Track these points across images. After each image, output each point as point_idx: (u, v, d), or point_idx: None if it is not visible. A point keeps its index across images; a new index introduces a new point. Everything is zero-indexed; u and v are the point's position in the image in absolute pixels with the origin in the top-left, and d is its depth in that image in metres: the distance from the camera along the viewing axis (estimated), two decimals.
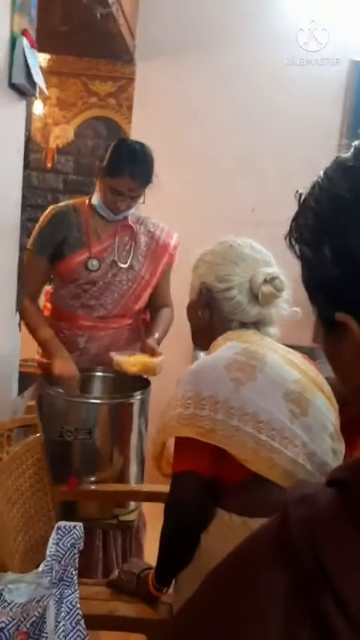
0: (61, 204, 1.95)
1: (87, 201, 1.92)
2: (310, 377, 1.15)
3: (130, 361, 1.69)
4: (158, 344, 1.84)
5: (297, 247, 0.58)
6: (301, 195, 0.58)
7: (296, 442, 1.04)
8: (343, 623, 0.41)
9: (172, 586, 1.20)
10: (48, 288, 1.99)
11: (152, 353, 1.76)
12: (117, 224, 1.91)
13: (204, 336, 1.26)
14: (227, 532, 1.05)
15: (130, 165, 1.76)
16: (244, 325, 1.22)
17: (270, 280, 1.17)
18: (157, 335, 1.86)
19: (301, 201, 0.58)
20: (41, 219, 1.91)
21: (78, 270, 1.86)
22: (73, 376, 1.73)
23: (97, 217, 1.89)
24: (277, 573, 0.45)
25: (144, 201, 1.86)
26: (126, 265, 1.88)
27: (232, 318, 1.21)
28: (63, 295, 1.90)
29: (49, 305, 1.99)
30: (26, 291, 1.86)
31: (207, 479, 1.06)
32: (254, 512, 1.04)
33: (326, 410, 1.12)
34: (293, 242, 0.58)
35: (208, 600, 0.51)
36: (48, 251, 1.88)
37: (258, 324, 1.23)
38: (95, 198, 1.89)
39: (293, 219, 0.58)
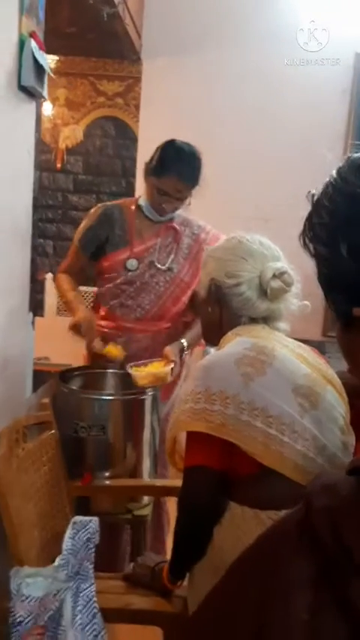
0: (108, 203, 1.95)
1: (134, 202, 1.92)
2: (319, 370, 1.15)
3: (142, 375, 1.68)
4: (185, 349, 1.84)
5: (311, 246, 0.59)
6: (313, 195, 0.59)
7: (306, 436, 1.04)
8: None
9: (186, 579, 1.22)
10: (94, 289, 2.02)
11: (166, 360, 1.75)
12: (161, 225, 1.90)
13: (214, 331, 1.27)
14: (240, 525, 1.06)
15: (177, 166, 1.74)
16: (253, 320, 1.23)
17: (279, 275, 1.18)
18: (183, 341, 1.84)
19: (314, 201, 0.59)
20: (87, 216, 1.93)
21: (117, 268, 1.87)
22: (90, 319, 1.76)
23: (143, 218, 1.89)
24: (302, 560, 0.46)
25: (190, 203, 1.85)
26: (164, 267, 1.88)
27: (241, 314, 1.22)
28: (104, 295, 1.92)
29: (96, 305, 2.01)
30: (66, 271, 1.97)
31: (218, 473, 1.07)
32: (266, 505, 1.05)
33: (336, 403, 1.12)
34: (307, 241, 0.59)
35: (234, 583, 0.52)
36: (91, 249, 1.90)
37: (267, 319, 1.23)
38: (142, 199, 1.89)
39: (307, 219, 0.59)
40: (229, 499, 1.09)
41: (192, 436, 1.09)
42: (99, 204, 1.95)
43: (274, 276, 1.18)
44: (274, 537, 0.52)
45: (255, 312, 1.21)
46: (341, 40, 3.10)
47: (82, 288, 2.07)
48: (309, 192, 0.59)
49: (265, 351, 1.10)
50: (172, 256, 1.89)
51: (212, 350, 3.16)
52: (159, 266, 1.87)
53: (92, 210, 1.93)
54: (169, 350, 1.78)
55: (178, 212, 1.90)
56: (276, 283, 1.18)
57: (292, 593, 0.44)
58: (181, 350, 1.83)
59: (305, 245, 0.59)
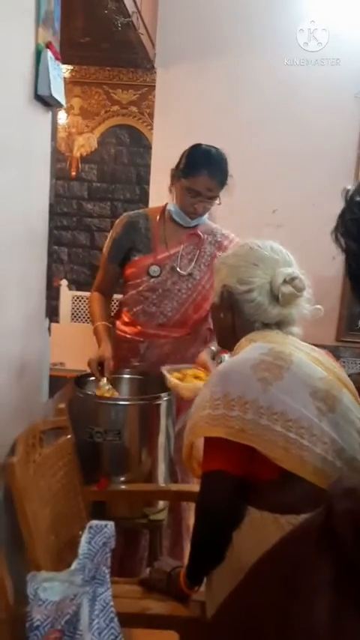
0: (132, 212, 1.97)
1: (160, 210, 1.94)
2: (335, 374, 1.15)
3: (186, 386, 1.62)
4: (215, 356, 1.83)
5: (342, 241, 0.59)
6: (348, 191, 0.60)
7: (325, 439, 1.04)
8: None
9: (204, 584, 1.21)
10: (119, 296, 2.04)
11: (205, 368, 1.73)
12: (185, 232, 1.91)
13: (228, 337, 1.27)
14: (259, 529, 1.06)
15: (207, 164, 1.77)
16: (266, 326, 1.23)
17: (290, 280, 1.19)
18: (213, 347, 1.83)
19: (348, 197, 0.59)
20: (114, 227, 1.95)
21: (140, 275, 1.88)
22: (108, 357, 1.78)
23: (168, 224, 1.90)
24: (324, 564, 0.46)
25: (220, 202, 1.85)
26: (185, 273, 1.89)
27: (253, 320, 1.23)
28: (128, 302, 1.93)
29: (120, 312, 2.02)
30: (99, 288, 2.00)
31: (237, 478, 1.07)
32: (286, 510, 1.04)
33: (352, 406, 1.12)
34: (339, 236, 0.60)
35: (255, 586, 0.52)
36: (119, 258, 1.93)
37: (280, 325, 1.24)
38: (171, 205, 1.90)
39: (340, 215, 0.60)
40: (248, 504, 1.09)
41: (210, 442, 1.09)
42: (124, 214, 1.97)
43: (285, 281, 1.19)
44: (295, 540, 0.52)
45: (267, 318, 1.22)
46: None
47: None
48: (343, 188, 0.59)
49: (282, 356, 1.10)
50: (193, 263, 1.89)
51: (226, 357, 3.15)
52: (180, 272, 1.88)
53: (118, 221, 1.96)
54: (204, 357, 1.77)
55: (203, 219, 1.91)
56: (287, 289, 1.18)
57: (314, 597, 0.45)
58: (213, 356, 1.82)
59: (337, 240, 0.59)
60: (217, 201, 1.85)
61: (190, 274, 1.89)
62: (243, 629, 0.50)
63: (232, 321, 1.25)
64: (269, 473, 1.05)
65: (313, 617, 0.44)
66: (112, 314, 2.04)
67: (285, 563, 0.51)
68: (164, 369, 1.70)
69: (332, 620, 0.43)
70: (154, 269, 1.87)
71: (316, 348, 1.22)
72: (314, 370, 1.12)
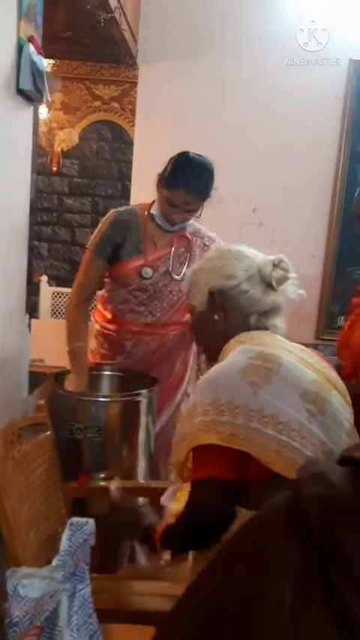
0: (122, 208, 1.95)
1: (147, 207, 1.92)
2: (324, 375, 1.15)
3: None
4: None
5: None
6: None
7: (314, 441, 1.04)
8: (355, 599, 0.43)
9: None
10: (101, 292, 2.01)
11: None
12: (174, 234, 1.91)
13: (219, 343, 1.24)
14: None
15: (185, 179, 1.75)
16: (256, 327, 1.23)
17: (278, 264, 1.22)
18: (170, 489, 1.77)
19: None
20: (102, 221, 1.92)
21: (131, 276, 1.87)
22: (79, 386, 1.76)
23: (155, 226, 1.89)
24: (293, 544, 0.47)
25: (200, 215, 1.86)
26: (179, 277, 1.88)
27: (249, 312, 1.23)
28: (114, 299, 1.91)
29: (100, 307, 2.00)
30: (80, 290, 1.89)
31: (228, 483, 1.05)
32: None
33: (341, 407, 1.13)
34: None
35: (224, 564, 0.53)
36: (107, 252, 1.88)
37: (269, 313, 1.24)
38: (154, 208, 1.89)
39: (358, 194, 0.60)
40: (239, 504, 1.07)
41: (201, 449, 1.07)
42: (113, 210, 1.94)
43: (274, 265, 1.22)
44: (264, 522, 0.53)
45: (262, 307, 1.23)
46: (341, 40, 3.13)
47: None
48: None
49: (271, 359, 1.10)
50: (185, 266, 1.89)
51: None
52: (175, 276, 1.88)
53: (106, 217, 1.93)
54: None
55: (190, 222, 1.91)
56: (278, 273, 1.21)
57: (281, 578, 0.45)
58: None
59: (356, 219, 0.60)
60: (197, 214, 1.85)
61: (183, 279, 1.88)
62: (209, 609, 0.51)
63: (225, 320, 1.25)
64: (259, 474, 1.04)
65: (278, 599, 0.45)
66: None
67: (255, 543, 0.52)
68: (163, 500, 1.55)
69: (297, 602, 0.44)
70: (147, 271, 1.86)
71: (305, 349, 1.22)
72: (304, 372, 1.11)
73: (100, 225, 1.92)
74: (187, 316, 1.89)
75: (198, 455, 1.09)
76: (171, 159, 1.81)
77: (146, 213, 1.91)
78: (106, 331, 1.94)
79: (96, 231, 1.93)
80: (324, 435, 1.06)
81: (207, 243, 1.95)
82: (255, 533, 0.54)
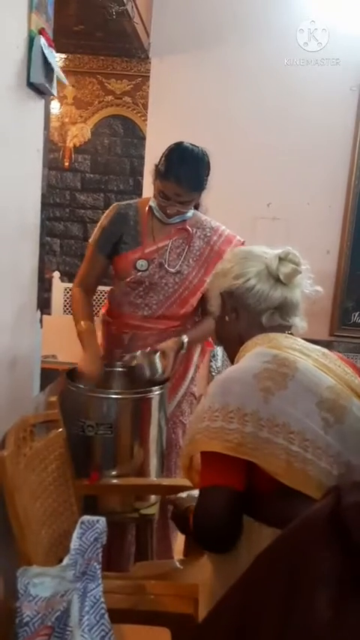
0: (123, 203, 1.95)
1: (147, 202, 1.91)
2: (345, 381, 1.11)
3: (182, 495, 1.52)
4: (185, 346, 1.81)
5: None
6: None
7: (330, 452, 1.00)
8: None
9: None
10: (108, 288, 2.02)
11: (163, 355, 1.73)
12: (173, 226, 1.89)
13: (236, 345, 1.23)
14: (256, 541, 1.00)
15: (176, 170, 1.72)
16: (273, 329, 1.20)
17: (285, 257, 1.19)
18: (184, 338, 1.81)
19: None
20: (103, 216, 1.93)
21: (127, 268, 1.87)
22: (93, 377, 1.74)
23: (155, 218, 1.88)
24: (330, 554, 0.45)
25: (197, 207, 1.84)
26: (173, 270, 1.87)
27: (259, 309, 1.20)
28: (115, 292, 1.92)
29: (106, 300, 2.02)
30: (82, 283, 1.97)
31: (234, 492, 1.02)
32: (284, 524, 1.01)
33: None
34: None
35: (261, 574, 0.52)
36: (108, 248, 1.90)
37: (284, 310, 1.21)
38: (152, 200, 1.88)
39: None
40: (246, 514, 1.05)
41: (208, 455, 1.04)
42: (114, 204, 1.95)
43: (281, 259, 1.19)
44: (303, 531, 0.52)
45: (272, 303, 1.20)
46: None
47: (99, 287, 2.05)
48: None
49: (287, 363, 1.07)
50: (182, 258, 1.88)
51: (219, 349, 3.10)
52: (168, 268, 1.87)
53: (107, 211, 1.94)
54: (170, 346, 1.77)
55: (190, 213, 1.89)
56: (286, 267, 1.19)
57: (316, 591, 0.44)
58: (180, 346, 1.80)
59: None
60: (191, 206, 1.83)
61: (178, 271, 1.87)
62: (246, 615, 0.49)
63: (237, 320, 1.23)
64: (269, 486, 1.01)
65: (313, 613, 0.44)
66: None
67: (291, 553, 0.50)
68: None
69: (334, 614, 0.43)
70: (142, 263, 1.85)
71: (328, 353, 1.18)
72: (321, 378, 1.07)
73: (102, 219, 1.93)
74: (185, 310, 1.88)
75: (204, 462, 1.06)
76: (165, 150, 1.79)
77: (147, 207, 1.90)
78: (106, 325, 1.95)
79: (97, 226, 1.94)
80: (341, 445, 1.01)
81: (208, 234, 1.91)
82: (293, 541, 0.52)
